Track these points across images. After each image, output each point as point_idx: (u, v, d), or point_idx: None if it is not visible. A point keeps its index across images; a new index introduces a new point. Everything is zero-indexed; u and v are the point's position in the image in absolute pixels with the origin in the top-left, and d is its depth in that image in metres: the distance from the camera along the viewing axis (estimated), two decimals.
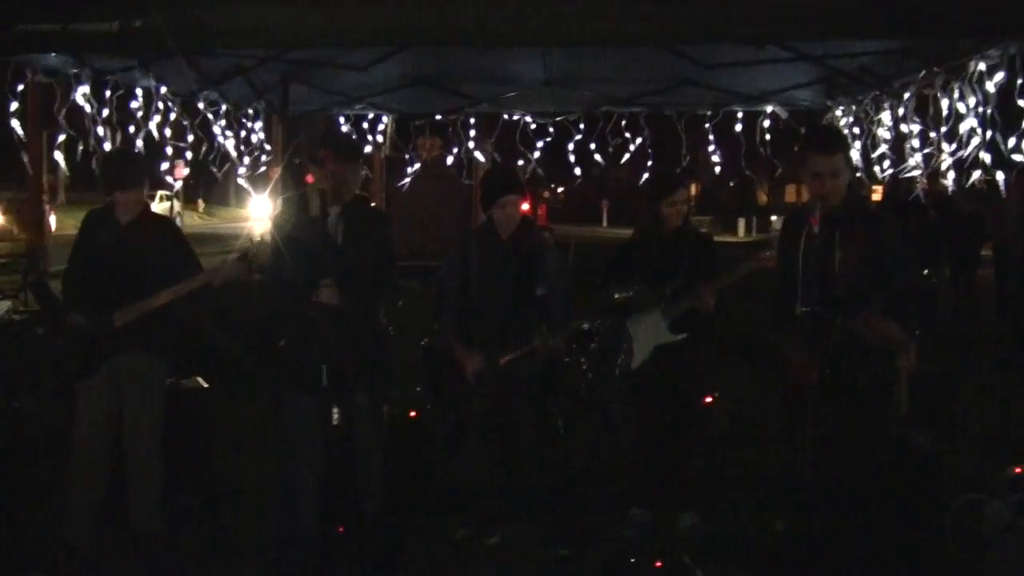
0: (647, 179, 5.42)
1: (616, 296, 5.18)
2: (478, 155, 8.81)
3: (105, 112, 6.09)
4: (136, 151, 6.26)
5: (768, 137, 7.96)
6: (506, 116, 8.20)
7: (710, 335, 5.35)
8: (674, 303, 5.14)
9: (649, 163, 8.07)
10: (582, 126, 8.08)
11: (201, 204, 47.29)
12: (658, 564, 4.72)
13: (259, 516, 5.31)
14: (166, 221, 5.00)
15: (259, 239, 4.78)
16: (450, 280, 5.11)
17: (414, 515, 5.38)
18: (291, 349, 4.49)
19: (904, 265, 4.10)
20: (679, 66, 6.69)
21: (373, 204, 4.86)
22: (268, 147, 8.20)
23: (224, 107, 7.44)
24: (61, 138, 6.03)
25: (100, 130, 6.04)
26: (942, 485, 4.98)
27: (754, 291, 5.46)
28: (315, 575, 4.48)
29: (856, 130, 7.14)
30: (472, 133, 8.43)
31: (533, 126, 8.20)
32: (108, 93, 6.11)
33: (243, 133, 7.74)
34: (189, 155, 7.17)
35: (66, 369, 4.79)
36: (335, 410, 4.32)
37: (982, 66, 5.25)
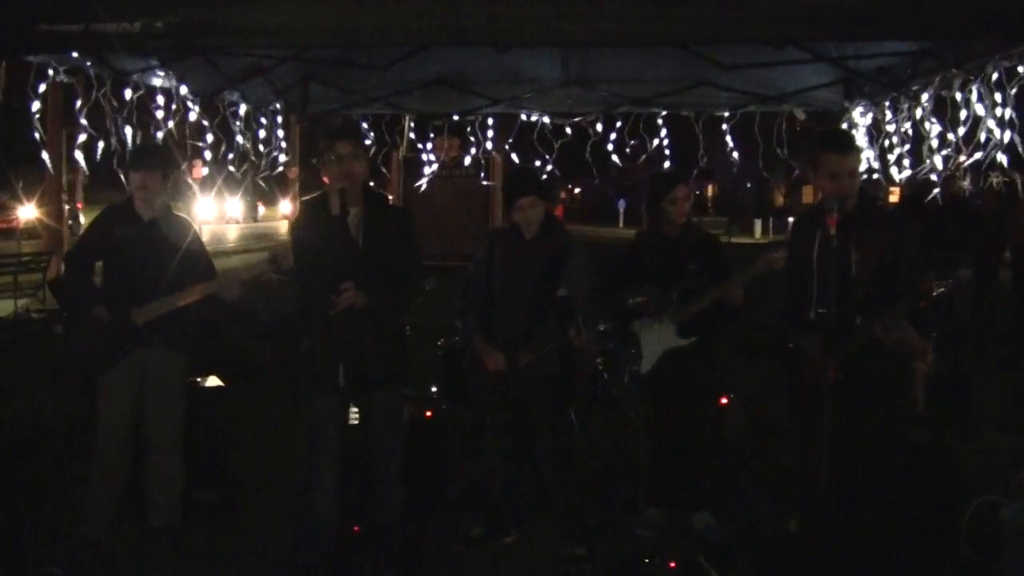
0: (646, 182, 5.38)
1: (630, 300, 5.16)
2: (495, 155, 8.82)
3: (125, 112, 6.14)
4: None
5: (786, 138, 7.95)
6: (524, 116, 8.21)
7: (722, 336, 5.34)
8: (681, 306, 5.13)
9: (667, 164, 8.07)
10: (600, 126, 8.08)
11: None
12: (672, 564, 4.72)
13: (276, 513, 5.35)
14: (185, 220, 5.04)
15: (285, 241, 4.76)
16: (477, 280, 5.13)
17: (430, 514, 5.40)
18: (312, 349, 4.47)
19: (919, 269, 4.06)
20: (697, 67, 6.69)
21: (391, 198, 4.85)
22: (285, 146, 8.25)
23: (243, 107, 7.48)
24: (82, 138, 6.08)
25: (120, 130, 6.09)
26: (958, 487, 4.97)
27: (763, 290, 5.43)
28: (332, 573, 4.50)
29: (874, 131, 7.13)
30: (490, 133, 8.44)
31: (551, 127, 8.21)
32: (129, 93, 6.16)
33: (261, 133, 7.78)
34: (208, 155, 7.21)
35: (89, 365, 4.81)
36: (354, 409, 4.32)
37: (1000, 68, 5.24)
